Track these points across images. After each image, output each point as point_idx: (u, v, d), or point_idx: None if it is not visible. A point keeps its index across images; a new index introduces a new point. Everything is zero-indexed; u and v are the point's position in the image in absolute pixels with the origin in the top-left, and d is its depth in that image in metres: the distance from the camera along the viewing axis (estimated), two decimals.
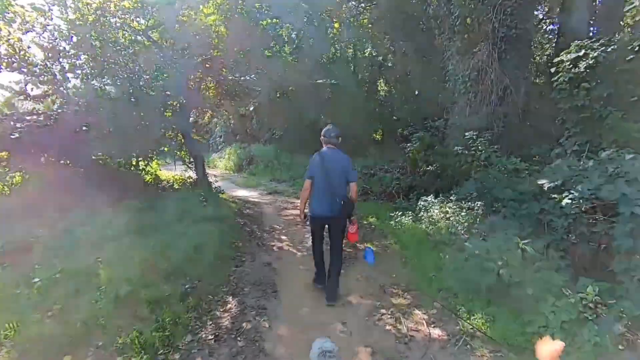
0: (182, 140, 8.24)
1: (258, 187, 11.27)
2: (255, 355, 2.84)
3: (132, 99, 6.77)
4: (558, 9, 9.02)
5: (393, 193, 8.29)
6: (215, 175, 13.63)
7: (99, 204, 5.54)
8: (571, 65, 5.33)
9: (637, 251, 2.90)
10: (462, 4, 8.35)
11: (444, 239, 4.74)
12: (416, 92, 14.91)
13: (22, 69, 6.28)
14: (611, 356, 2.48)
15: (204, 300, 3.61)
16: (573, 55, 5.29)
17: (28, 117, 6.13)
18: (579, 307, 2.68)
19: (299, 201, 3.80)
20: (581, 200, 3.36)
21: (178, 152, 8.40)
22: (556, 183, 3.71)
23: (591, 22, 8.69)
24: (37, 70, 6.50)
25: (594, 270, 3.16)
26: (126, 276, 3.48)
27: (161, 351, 2.82)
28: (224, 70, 8.78)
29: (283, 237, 5.79)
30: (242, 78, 8.39)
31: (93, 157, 6.72)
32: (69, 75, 6.96)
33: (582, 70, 5.12)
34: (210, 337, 3.06)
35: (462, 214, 5.22)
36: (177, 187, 8.14)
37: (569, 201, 3.49)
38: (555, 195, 3.66)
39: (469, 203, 5.40)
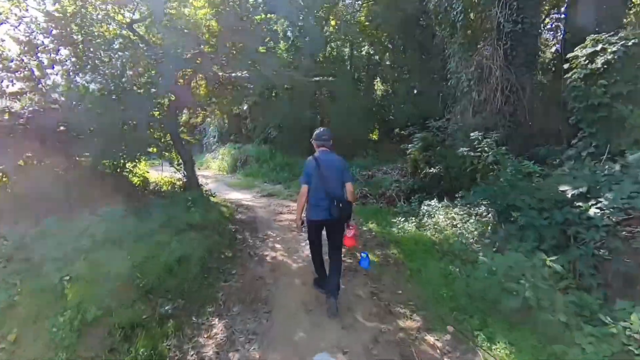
0: (171, 141, 7.78)
1: (252, 188, 10.83)
2: None
3: (116, 97, 6.31)
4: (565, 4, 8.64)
5: (393, 196, 7.89)
6: (208, 177, 13.17)
7: (78, 209, 5.11)
8: (587, 61, 4.97)
9: None
10: None
11: (453, 249, 4.35)
12: (415, 91, 14.56)
13: None
14: None
15: (187, 324, 3.18)
16: (589, 50, 4.93)
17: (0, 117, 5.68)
18: (621, 337, 2.29)
19: (296, 206, 3.71)
20: (612, 210, 2.98)
21: (167, 154, 7.96)
22: (581, 190, 3.33)
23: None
24: (13, 66, 6.04)
25: (630, 289, 2.77)
26: (97, 296, 3.04)
27: None
28: (215, 67, 8.34)
29: (277, 246, 5.36)
30: (233, 74, 7.93)
31: (76, 159, 6.27)
32: (48, 71, 6.48)
33: (599, 66, 4.77)
34: None
35: (471, 221, 4.85)
36: (165, 190, 7.68)
37: (597, 211, 3.12)
38: (580, 204, 3.27)
39: (477, 209, 5.04)
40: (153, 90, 6.87)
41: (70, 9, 6.18)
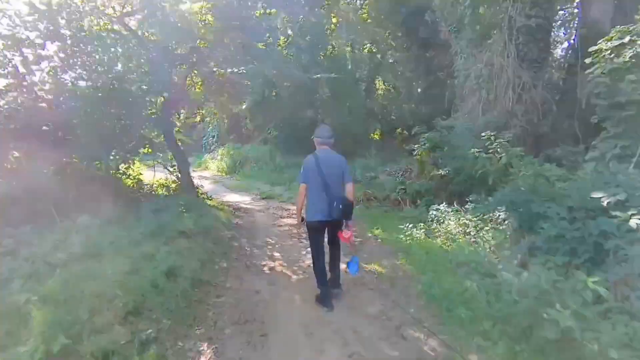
0: (165, 141, 7.40)
1: (251, 190, 10.45)
2: None
3: (106, 95, 5.94)
4: None
5: (398, 199, 7.51)
6: (206, 178, 12.81)
7: (63, 216, 4.74)
8: (612, 55, 4.57)
9: None
10: None
11: (468, 260, 3.96)
12: (419, 90, 14.17)
13: None
14: None
15: (171, 349, 2.80)
16: (615, 43, 4.53)
17: None
18: None
19: (295, 207, 3.75)
20: None
21: (161, 155, 7.59)
22: (618, 198, 2.94)
23: None
24: None
25: None
26: (67, 321, 2.66)
27: None
28: (212, 63, 7.96)
29: (276, 254, 4.99)
30: (229, 71, 7.55)
31: (64, 160, 5.91)
32: (34, 67, 6.11)
33: (626, 60, 4.37)
34: None
35: (486, 229, 4.45)
36: (158, 193, 7.30)
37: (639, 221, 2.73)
38: (618, 213, 2.88)
39: (490, 214, 4.64)
40: (145, 87, 6.50)
41: (55, 1, 5.81)
